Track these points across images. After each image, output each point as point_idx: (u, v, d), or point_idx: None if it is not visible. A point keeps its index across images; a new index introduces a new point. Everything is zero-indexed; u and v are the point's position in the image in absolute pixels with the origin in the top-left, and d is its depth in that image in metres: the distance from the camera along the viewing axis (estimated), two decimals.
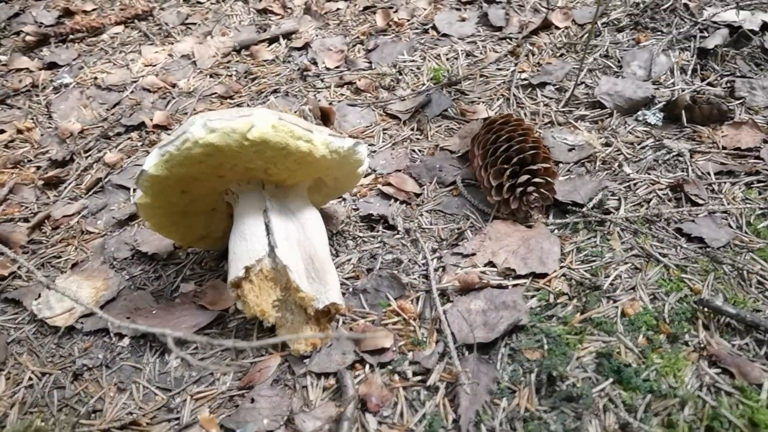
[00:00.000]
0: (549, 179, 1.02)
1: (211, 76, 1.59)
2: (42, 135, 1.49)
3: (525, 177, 1.01)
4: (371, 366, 0.85)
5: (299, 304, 0.86)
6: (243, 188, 0.92)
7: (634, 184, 1.12)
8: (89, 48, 1.80)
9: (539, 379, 0.80)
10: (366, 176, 1.21)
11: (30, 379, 0.93)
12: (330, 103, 1.41)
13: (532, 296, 0.93)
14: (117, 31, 1.85)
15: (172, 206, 0.93)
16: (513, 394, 0.80)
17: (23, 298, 1.05)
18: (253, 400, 0.83)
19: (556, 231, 1.04)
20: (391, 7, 1.77)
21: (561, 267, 0.97)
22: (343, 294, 0.98)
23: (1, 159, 1.40)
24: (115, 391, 0.89)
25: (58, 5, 2.02)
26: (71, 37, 1.84)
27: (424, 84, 1.45)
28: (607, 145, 1.22)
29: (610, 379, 0.79)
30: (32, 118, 1.55)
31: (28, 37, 1.81)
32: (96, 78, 1.65)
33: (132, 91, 1.58)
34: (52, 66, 1.74)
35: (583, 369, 0.81)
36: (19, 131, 1.50)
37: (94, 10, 2.00)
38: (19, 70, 1.74)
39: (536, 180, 1.01)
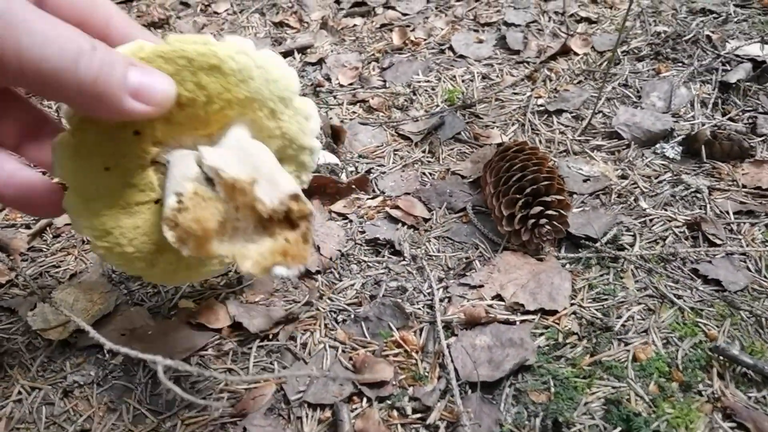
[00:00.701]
0: (563, 212, 0.99)
1: None
2: None
3: (538, 208, 0.98)
4: (369, 399, 0.82)
5: (251, 216, 0.65)
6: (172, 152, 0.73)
7: (650, 220, 1.09)
8: None
9: (544, 424, 0.76)
10: (374, 198, 1.19)
11: (19, 393, 0.90)
12: (342, 121, 1.39)
13: (541, 334, 0.89)
14: None
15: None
16: None
17: (19, 308, 1.03)
18: (245, 430, 0.80)
19: (567, 265, 1.01)
20: (408, 26, 1.76)
21: (572, 304, 0.93)
22: (344, 321, 0.95)
23: None
24: (105, 410, 0.87)
25: None
26: None
27: (437, 105, 1.42)
28: (624, 177, 1.19)
29: (619, 428, 0.76)
30: None
31: None
32: None
33: None
34: None
35: (591, 416, 0.78)
36: None
37: None
38: None
39: (549, 212, 0.98)
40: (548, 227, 0.98)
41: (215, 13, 1.95)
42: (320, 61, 1.63)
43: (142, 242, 0.72)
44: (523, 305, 0.92)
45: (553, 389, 0.81)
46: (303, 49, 1.69)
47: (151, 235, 0.73)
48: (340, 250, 1.05)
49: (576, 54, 1.58)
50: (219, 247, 0.63)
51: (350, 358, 0.89)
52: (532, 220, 0.98)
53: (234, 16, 1.92)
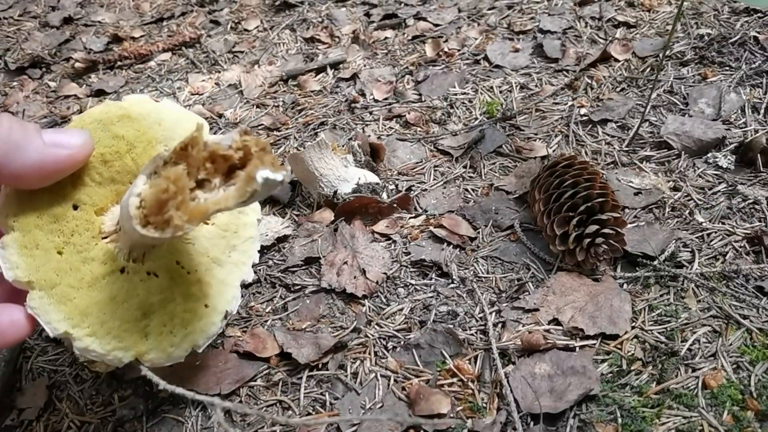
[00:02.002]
0: (619, 230, 0.95)
1: (257, 107, 1.57)
2: None
3: (594, 227, 0.94)
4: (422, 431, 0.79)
5: (214, 170, 0.59)
6: None
7: (708, 235, 1.04)
8: (136, 75, 1.80)
9: None
10: (416, 217, 1.16)
11: (69, 427, 0.89)
12: (379, 138, 1.37)
13: (603, 360, 0.85)
14: (164, 58, 1.85)
15: None
16: None
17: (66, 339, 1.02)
18: None
19: (625, 285, 0.96)
20: (441, 37, 1.73)
21: (633, 327, 0.89)
22: (395, 348, 0.92)
23: None
24: None
25: (108, 31, 2.04)
26: (119, 63, 1.85)
27: (476, 118, 1.39)
28: (676, 189, 1.14)
29: None
30: None
31: (77, 64, 1.82)
32: None
33: None
34: (99, 93, 1.74)
35: None
36: None
37: (142, 36, 2.01)
38: (67, 96, 1.74)
39: (605, 230, 0.94)
40: (605, 246, 0.94)
41: (245, 30, 1.94)
42: (353, 77, 1.61)
43: (125, 311, 0.69)
44: (582, 330, 0.88)
45: (620, 420, 0.77)
46: (335, 65, 1.67)
47: (131, 301, 0.70)
48: (386, 273, 1.02)
49: (617, 60, 1.54)
50: (203, 200, 0.57)
51: (403, 389, 0.86)
52: (588, 240, 0.94)
53: (264, 33, 1.91)
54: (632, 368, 0.84)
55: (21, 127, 0.58)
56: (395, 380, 0.88)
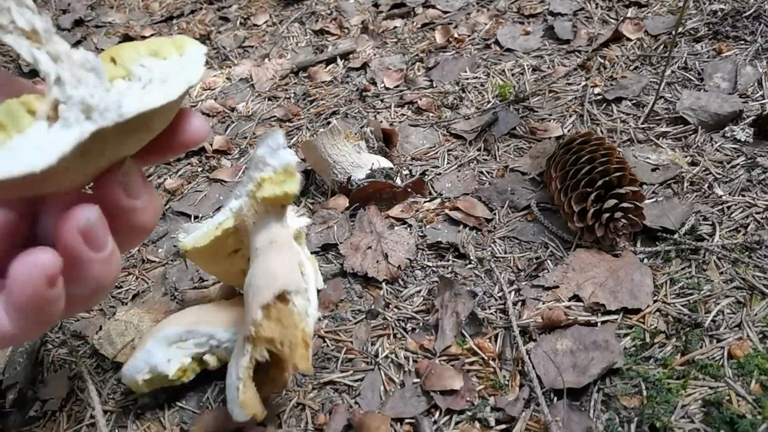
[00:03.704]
0: (638, 203, 0.94)
1: (269, 99, 1.57)
2: None
3: (612, 201, 0.93)
4: (449, 411, 0.78)
5: None
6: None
7: (728, 208, 1.02)
8: None
9: (640, 430, 0.71)
10: (431, 200, 1.15)
11: (91, 417, 0.90)
12: (391, 124, 1.36)
13: (625, 335, 0.84)
14: None
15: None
16: None
17: (85, 331, 1.03)
18: None
19: (645, 260, 0.95)
20: (450, 23, 1.72)
21: (655, 301, 0.88)
22: (414, 330, 0.92)
23: None
24: (178, 431, 0.85)
25: (118, 32, 2.05)
26: None
27: (489, 101, 1.38)
28: (694, 164, 1.13)
29: None
30: None
31: None
32: None
33: None
34: None
35: (690, 419, 0.72)
36: None
37: (152, 35, 2.02)
38: None
39: (624, 205, 0.93)
40: (624, 221, 0.93)
41: (255, 25, 1.94)
42: (364, 66, 1.60)
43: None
44: (603, 305, 0.87)
45: (645, 392, 0.76)
46: (345, 55, 1.67)
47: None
48: (409, 259, 1.01)
49: (629, 40, 1.52)
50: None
51: (416, 370, 0.85)
52: (607, 215, 0.93)
53: (274, 28, 1.91)
54: (656, 341, 0.82)
55: None
56: (414, 360, 0.87)
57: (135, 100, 0.48)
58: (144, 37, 2.00)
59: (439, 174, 1.21)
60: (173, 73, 0.61)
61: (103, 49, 1.89)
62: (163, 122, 0.48)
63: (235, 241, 0.84)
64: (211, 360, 0.86)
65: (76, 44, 2.03)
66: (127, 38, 2.01)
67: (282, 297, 0.72)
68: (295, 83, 1.61)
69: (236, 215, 0.78)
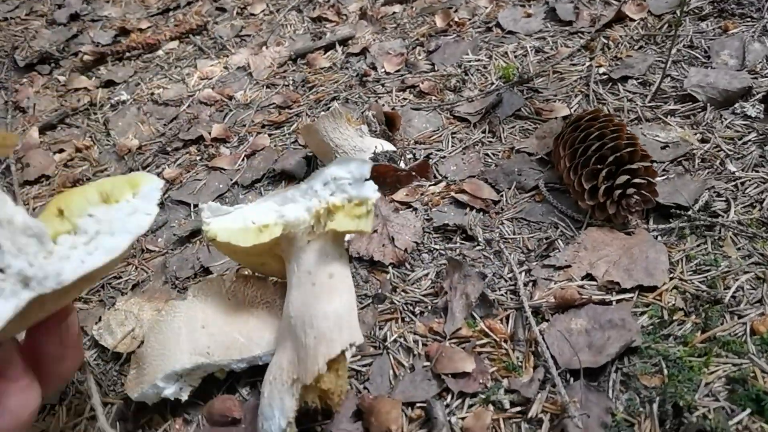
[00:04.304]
0: (650, 179, 0.91)
1: (267, 87, 1.54)
2: (100, 153, 1.46)
3: (624, 177, 0.90)
4: (462, 395, 0.76)
5: None
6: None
7: (742, 183, 1.00)
8: (145, 64, 1.78)
9: (663, 410, 0.69)
10: (436, 184, 1.12)
11: (92, 409, 0.87)
12: (393, 109, 1.33)
13: (642, 313, 0.81)
14: (172, 46, 1.83)
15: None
16: (632, 428, 0.69)
17: (84, 322, 1.00)
18: None
19: (659, 237, 0.92)
20: (451, 7, 1.69)
21: (671, 278, 0.85)
22: (422, 313, 0.89)
23: (61, 178, 1.38)
24: (180, 423, 0.82)
25: (115, 25, 2.02)
26: (127, 54, 1.83)
27: (492, 83, 1.35)
28: (704, 141, 1.10)
29: (748, 410, 0.67)
30: (90, 137, 1.52)
31: (85, 57, 1.80)
32: (153, 94, 1.62)
33: (189, 105, 1.53)
34: (109, 84, 1.72)
35: (714, 397, 0.70)
36: (78, 150, 1.48)
37: (149, 27, 1.99)
38: (77, 89, 1.73)
39: (636, 180, 0.90)
40: (637, 197, 0.90)
41: (252, 14, 1.91)
42: (363, 51, 1.58)
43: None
44: (618, 283, 0.85)
45: (666, 371, 0.73)
46: (344, 41, 1.64)
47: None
48: (416, 242, 0.99)
49: (632, 20, 1.49)
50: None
51: (427, 353, 0.82)
52: (619, 191, 0.90)
53: (271, 16, 1.88)
54: (674, 318, 0.80)
55: None
56: (423, 344, 0.84)
57: (75, 266, 0.48)
58: (140, 30, 1.98)
59: (444, 157, 1.18)
60: (122, 221, 0.59)
61: (100, 43, 1.86)
62: (106, 270, 0.50)
63: (275, 245, 0.81)
64: (221, 375, 0.84)
65: (72, 38, 2.00)
66: (123, 31, 1.98)
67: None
68: (294, 70, 1.58)
69: (286, 225, 0.75)
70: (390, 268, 0.96)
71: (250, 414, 0.79)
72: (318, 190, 0.73)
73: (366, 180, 0.72)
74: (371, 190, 0.72)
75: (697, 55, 1.32)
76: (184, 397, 0.81)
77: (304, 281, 0.74)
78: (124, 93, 1.65)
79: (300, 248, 0.76)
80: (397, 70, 1.48)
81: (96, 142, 1.50)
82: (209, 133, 1.38)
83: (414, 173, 1.13)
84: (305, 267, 0.75)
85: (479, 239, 0.98)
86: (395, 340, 0.86)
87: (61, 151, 1.49)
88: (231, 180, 1.25)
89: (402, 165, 1.15)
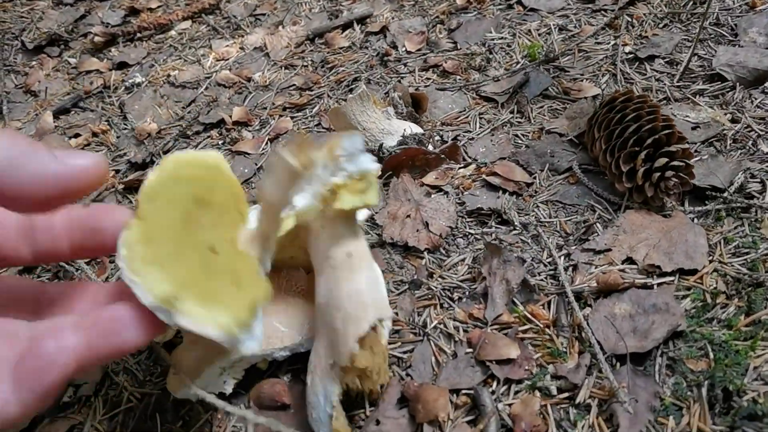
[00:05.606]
0: (688, 162, 0.91)
1: (286, 68, 1.52)
2: (118, 137, 1.45)
3: (663, 160, 0.89)
4: (507, 381, 0.76)
5: None
6: None
7: None
8: (158, 45, 1.76)
9: (712, 394, 0.69)
10: (466, 166, 1.12)
11: (129, 400, 0.87)
12: (417, 89, 1.32)
13: (684, 296, 0.82)
14: (184, 26, 1.80)
15: None
16: (680, 412, 0.69)
17: None
18: (378, 422, 0.75)
19: (696, 220, 0.92)
20: None
21: (711, 261, 0.85)
22: (461, 299, 0.89)
23: None
24: (222, 414, 0.83)
25: (123, 4, 1.99)
26: (139, 35, 1.80)
27: (518, 62, 1.34)
28: (735, 121, 1.09)
29: None
30: (107, 120, 1.51)
31: (96, 38, 1.77)
32: (168, 76, 1.60)
33: (207, 88, 1.52)
34: (122, 66, 1.70)
35: (763, 381, 0.70)
36: (95, 134, 1.46)
37: (159, 7, 1.96)
38: (89, 72, 1.71)
39: (675, 163, 0.90)
40: (675, 180, 0.90)
41: None
42: (383, 30, 1.55)
43: None
44: (659, 267, 0.85)
45: (711, 355, 0.74)
46: (362, 20, 1.61)
47: None
48: (450, 227, 0.98)
49: None
50: None
51: (468, 339, 0.83)
52: (657, 174, 0.90)
53: None
54: (717, 302, 0.80)
55: (26, 141, 0.54)
56: (464, 330, 0.85)
57: None
58: (150, 10, 1.94)
59: (472, 139, 1.18)
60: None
61: (109, 23, 1.83)
62: None
63: (296, 237, 0.80)
64: (263, 366, 0.84)
65: (80, 18, 1.97)
66: (132, 11, 1.95)
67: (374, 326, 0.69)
68: (312, 50, 1.56)
69: (298, 215, 0.74)
70: (425, 253, 0.96)
71: (297, 400, 0.80)
72: (319, 173, 0.73)
73: (361, 153, 0.71)
74: (369, 162, 0.71)
75: (724, 32, 1.31)
76: (229, 390, 0.81)
77: (325, 266, 0.74)
78: (139, 75, 1.63)
79: (315, 235, 0.76)
80: (419, 49, 1.46)
81: (113, 126, 1.48)
82: (230, 117, 1.37)
83: (443, 156, 1.13)
84: (323, 252, 0.75)
85: (515, 223, 0.98)
86: (435, 327, 0.86)
87: (77, 135, 1.47)
88: (256, 165, 1.24)
89: (430, 147, 1.14)
